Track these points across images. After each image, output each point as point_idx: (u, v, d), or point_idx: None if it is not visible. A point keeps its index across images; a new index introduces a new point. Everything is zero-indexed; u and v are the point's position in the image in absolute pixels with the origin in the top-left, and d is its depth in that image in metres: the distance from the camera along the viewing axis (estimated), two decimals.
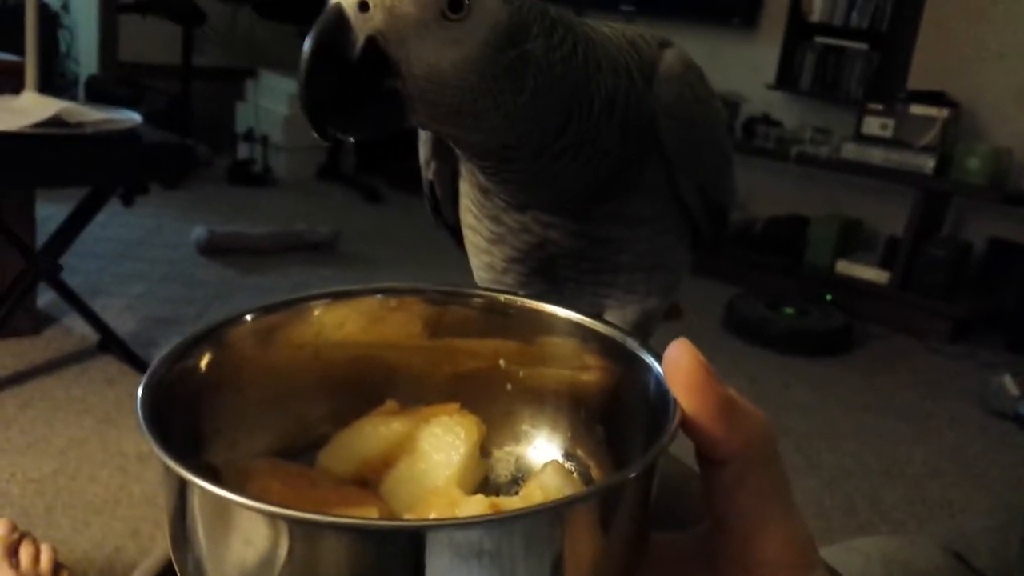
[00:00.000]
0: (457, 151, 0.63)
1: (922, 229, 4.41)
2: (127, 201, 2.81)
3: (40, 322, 3.23)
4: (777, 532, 0.39)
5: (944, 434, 3.36)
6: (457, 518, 0.36)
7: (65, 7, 6.60)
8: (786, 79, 5.00)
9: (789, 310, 4.15)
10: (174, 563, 0.37)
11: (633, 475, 0.35)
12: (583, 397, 0.46)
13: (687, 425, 0.38)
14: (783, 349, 3.94)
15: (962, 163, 4.26)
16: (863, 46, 4.76)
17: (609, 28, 0.64)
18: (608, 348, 0.45)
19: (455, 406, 0.45)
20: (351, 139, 0.53)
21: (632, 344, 0.43)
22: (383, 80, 0.51)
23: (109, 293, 3.63)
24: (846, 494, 2.83)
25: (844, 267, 4.61)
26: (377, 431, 0.44)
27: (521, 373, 0.48)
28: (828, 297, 4.41)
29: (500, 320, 0.48)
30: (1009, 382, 3.51)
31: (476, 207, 0.69)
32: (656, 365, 0.41)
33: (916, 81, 4.65)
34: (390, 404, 0.46)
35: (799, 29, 4.93)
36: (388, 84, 0.51)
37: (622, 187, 0.64)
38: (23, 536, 1.67)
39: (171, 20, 5.62)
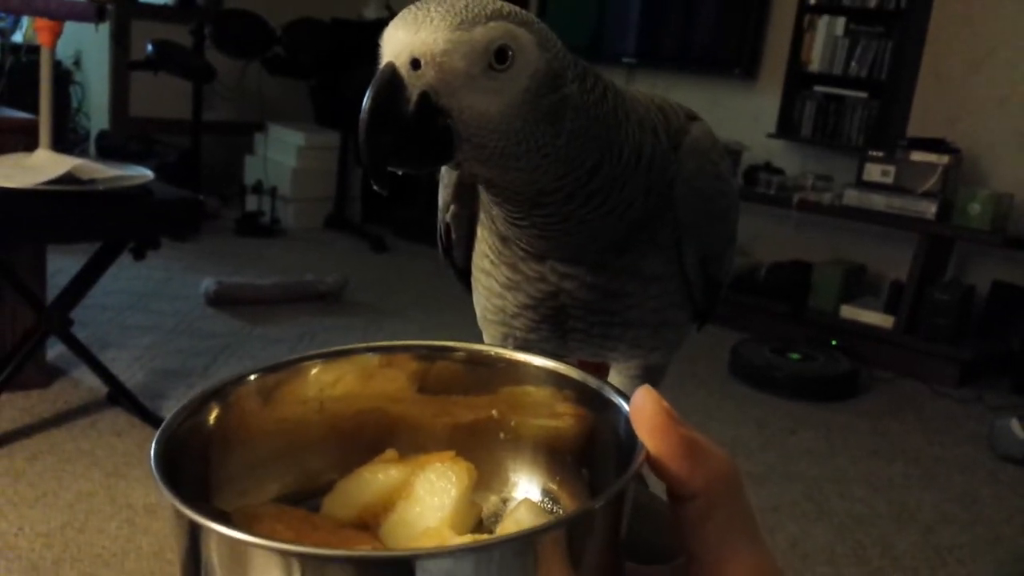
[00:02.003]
0: (486, 196, 0.66)
1: (925, 274, 4.43)
2: (138, 255, 2.84)
3: (49, 375, 3.26)
4: (743, 563, 0.41)
5: (953, 479, 3.35)
6: (432, 547, 0.40)
7: (77, 63, 6.74)
8: (787, 128, 5.06)
9: (795, 355, 4.16)
10: None
11: (598, 505, 0.38)
12: (566, 443, 0.49)
13: (653, 465, 0.41)
14: (789, 394, 3.94)
15: (964, 208, 4.29)
16: (863, 95, 4.83)
17: (638, 91, 0.67)
18: (584, 395, 0.48)
19: (450, 453, 0.47)
20: (402, 172, 0.56)
21: (605, 389, 0.46)
22: (435, 120, 0.54)
23: (118, 345, 3.66)
24: (856, 541, 2.82)
25: (849, 312, 4.62)
26: (376, 477, 0.47)
27: (513, 423, 0.51)
28: (833, 342, 4.42)
29: (487, 372, 0.51)
30: (1016, 426, 3.51)
31: (493, 253, 0.71)
32: (626, 407, 0.44)
33: (916, 128, 4.70)
34: (390, 453, 0.49)
35: (799, 78, 5.00)
36: (440, 122, 0.55)
37: (639, 243, 0.66)
38: None
39: (182, 77, 5.72)
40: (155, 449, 0.41)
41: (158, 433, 0.42)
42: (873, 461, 3.43)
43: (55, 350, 3.30)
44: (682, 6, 5.51)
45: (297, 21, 5.95)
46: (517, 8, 0.57)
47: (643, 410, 0.42)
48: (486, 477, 0.49)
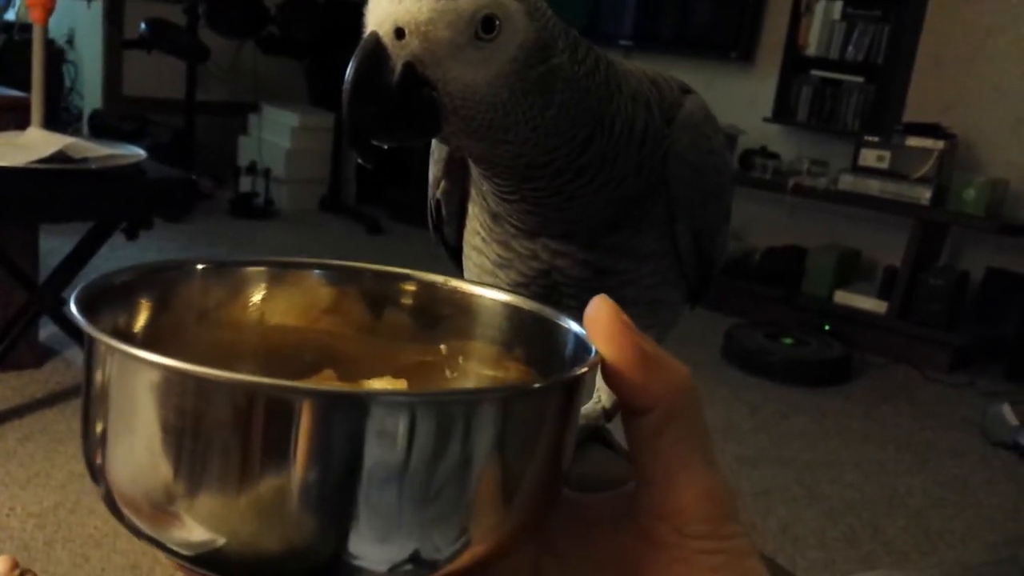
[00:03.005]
0: (477, 170, 0.65)
1: (920, 259, 4.43)
2: (131, 235, 2.83)
3: (42, 355, 3.25)
4: (696, 482, 0.40)
5: (945, 464, 3.36)
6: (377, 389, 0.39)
7: (70, 42, 6.68)
8: (783, 112, 5.05)
9: (788, 340, 4.16)
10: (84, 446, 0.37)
11: (537, 386, 0.38)
12: (517, 376, 0.47)
13: (607, 373, 0.40)
14: (782, 379, 3.95)
15: (959, 194, 4.29)
16: (859, 79, 4.82)
17: (632, 64, 0.66)
18: (534, 321, 0.47)
19: (388, 378, 0.46)
20: (388, 146, 0.55)
21: (561, 318, 0.45)
22: (420, 91, 0.53)
23: None
24: (848, 525, 2.83)
25: (842, 297, 4.63)
26: None
27: (460, 361, 0.49)
28: (827, 327, 4.42)
29: (440, 311, 0.49)
30: (1008, 411, 3.52)
31: (485, 231, 0.70)
32: (576, 328, 0.43)
33: (912, 113, 4.69)
34: (327, 372, 0.48)
35: (795, 63, 4.99)
36: (425, 94, 0.53)
37: (632, 220, 0.66)
38: (24, 573, 1.67)
39: (175, 56, 5.68)
40: (78, 294, 0.39)
41: (85, 283, 0.40)
42: (865, 446, 3.44)
43: (47, 330, 3.29)
44: None
45: (291, 0, 5.91)
46: None
47: (598, 317, 0.40)
48: None
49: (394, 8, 0.52)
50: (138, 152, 2.74)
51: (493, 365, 0.48)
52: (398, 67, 0.52)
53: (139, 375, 0.34)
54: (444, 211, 0.76)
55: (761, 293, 4.74)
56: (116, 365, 0.35)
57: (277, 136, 6.17)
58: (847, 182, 4.58)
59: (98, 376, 0.36)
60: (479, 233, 0.71)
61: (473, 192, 0.71)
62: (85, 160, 2.54)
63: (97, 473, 0.37)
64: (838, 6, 4.85)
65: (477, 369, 0.49)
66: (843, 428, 3.59)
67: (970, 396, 4.04)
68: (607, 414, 0.75)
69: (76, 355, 3.24)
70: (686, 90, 0.68)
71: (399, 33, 0.52)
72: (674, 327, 0.76)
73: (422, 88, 0.53)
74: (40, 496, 2.46)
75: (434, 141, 0.66)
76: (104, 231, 2.87)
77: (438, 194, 0.76)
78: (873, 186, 4.50)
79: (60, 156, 2.49)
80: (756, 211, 5.01)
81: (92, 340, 0.36)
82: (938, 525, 2.90)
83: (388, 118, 0.54)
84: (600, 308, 0.41)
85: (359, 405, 0.32)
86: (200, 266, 0.47)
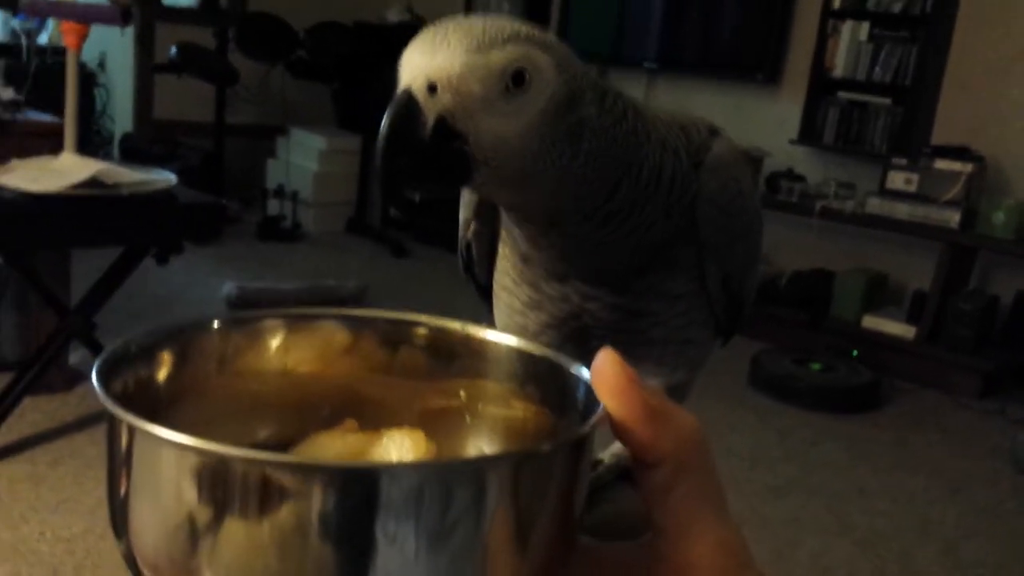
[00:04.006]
0: (507, 216, 0.66)
1: (949, 283, 4.39)
2: (161, 260, 2.86)
3: (72, 379, 3.28)
4: (708, 534, 0.40)
5: (976, 493, 3.31)
6: (379, 462, 0.40)
7: (101, 65, 6.79)
8: (809, 134, 5.03)
9: (816, 365, 4.13)
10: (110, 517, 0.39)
11: (547, 448, 0.38)
12: (529, 434, 0.48)
13: (617, 429, 0.40)
14: (810, 405, 3.92)
15: (988, 217, 4.25)
16: (886, 101, 4.79)
17: (660, 110, 0.66)
18: (545, 370, 0.47)
19: (407, 428, 0.46)
20: (420, 196, 0.56)
21: (574, 367, 0.45)
22: (451, 143, 0.54)
23: None
24: (878, 556, 2.79)
25: (871, 322, 4.58)
26: (333, 443, 0.46)
27: (479, 407, 0.50)
28: (855, 352, 4.38)
29: (453, 356, 0.50)
30: None
31: (515, 272, 0.70)
32: (586, 376, 0.43)
33: (940, 135, 4.66)
34: (350, 422, 0.48)
35: (822, 84, 4.97)
36: (456, 146, 0.54)
37: (661, 263, 0.66)
38: None
39: (205, 80, 5.75)
40: (99, 365, 0.40)
41: (105, 353, 0.41)
42: (895, 474, 3.40)
43: (78, 354, 3.33)
44: (704, 11, 5.49)
45: (320, 24, 5.97)
46: (537, 30, 0.57)
47: (603, 372, 0.41)
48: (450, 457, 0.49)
49: (427, 64, 0.53)
50: (169, 177, 2.78)
51: (508, 406, 0.49)
52: (430, 121, 0.53)
53: (156, 450, 0.35)
54: (475, 252, 0.77)
55: (788, 318, 4.71)
56: (134, 439, 0.36)
57: (305, 159, 6.23)
58: (875, 205, 4.55)
59: (118, 445, 0.37)
60: (509, 274, 0.72)
61: (503, 233, 0.72)
62: (117, 186, 2.57)
63: (119, 532, 0.38)
64: (865, 27, 4.83)
65: (493, 411, 0.49)
66: (872, 455, 3.55)
67: (1000, 423, 3.99)
68: None
69: None
70: (714, 132, 0.68)
71: (432, 88, 0.53)
72: (704, 366, 0.76)
73: (453, 140, 0.54)
74: (70, 521, 2.48)
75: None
76: (135, 256, 2.90)
77: (469, 235, 0.76)
78: (901, 209, 4.46)
79: (93, 182, 2.53)
80: (782, 234, 4.98)
81: (109, 414, 0.37)
82: (970, 555, 2.86)
83: (420, 170, 0.55)
84: (605, 362, 0.41)
85: (370, 479, 0.34)
86: (217, 323, 0.48)
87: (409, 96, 0.53)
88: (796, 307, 4.74)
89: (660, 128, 0.63)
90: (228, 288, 4.35)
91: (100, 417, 3.05)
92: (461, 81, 0.53)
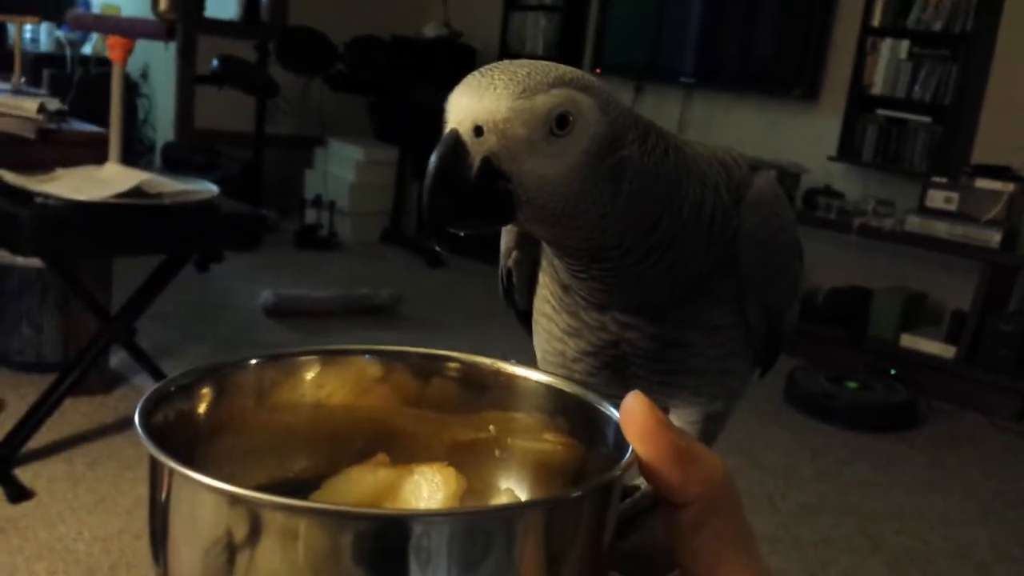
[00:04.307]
0: (548, 248, 0.67)
1: (988, 303, 4.33)
2: (201, 268, 2.91)
3: (112, 381, 3.34)
4: (737, 574, 0.41)
5: (1012, 516, 3.26)
6: (405, 509, 0.42)
7: (144, 76, 6.92)
8: (848, 151, 4.99)
9: (852, 384, 4.09)
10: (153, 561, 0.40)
11: (575, 495, 0.39)
12: (558, 467, 0.49)
13: (645, 471, 0.41)
14: (846, 424, 3.88)
15: None
16: (926, 119, 4.75)
17: (700, 146, 0.67)
18: (575, 406, 0.48)
19: (440, 463, 0.47)
20: (464, 233, 0.58)
21: (603, 405, 0.47)
22: (496, 183, 0.56)
23: (178, 354, 3.74)
24: None
25: (909, 341, 4.53)
26: (365, 478, 0.47)
27: (508, 441, 0.51)
28: (892, 371, 4.34)
29: (483, 390, 0.52)
30: None
31: (555, 300, 0.71)
32: (616, 415, 0.44)
33: (981, 154, 4.61)
34: (381, 456, 0.49)
35: (861, 101, 4.94)
36: (500, 186, 0.56)
37: (700, 295, 0.67)
38: None
39: (246, 91, 5.84)
40: (142, 406, 0.42)
41: (148, 393, 0.43)
42: (930, 495, 3.35)
43: (117, 357, 3.38)
44: (741, 26, 5.48)
45: (359, 38, 6.04)
46: (580, 73, 0.58)
47: (632, 414, 0.41)
48: (480, 493, 0.50)
49: (473, 107, 0.55)
50: (210, 188, 2.82)
51: (537, 438, 0.50)
52: (476, 162, 0.55)
53: (193, 493, 0.37)
54: (515, 279, 0.78)
55: (825, 335, 4.67)
56: (173, 480, 0.38)
57: (342, 170, 6.30)
58: (914, 223, 4.51)
59: (159, 484, 0.39)
60: (549, 301, 0.73)
61: (544, 262, 0.73)
62: (160, 196, 2.62)
63: (157, 558, 0.40)
64: (904, 45, 4.79)
65: (523, 443, 0.51)
66: (907, 476, 3.51)
67: None
68: None
69: (144, 382, 3.32)
70: (755, 167, 0.69)
71: (478, 131, 0.55)
72: (742, 396, 0.76)
73: (498, 180, 0.56)
74: (106, 521, 2.52)
75: None
76: (176, 264, 2.95)
77: (510, 263, 0.77)
78: (941, 228, 4.42)
79: (136, 191, 2.57)
80: (820, 251, 4.94)
81: (152, 458, 0.39)
82: None
83: (466, 208, 0.56)
84: (634, 405, 0.41)
85: (400, 526, 0.35)
86: (254, 360, 0.50)
87: (456, 138, 0.55)
88: (833, 324, 4.69)
89: (701, 164, 0.64)
90: (265, 295, 4.40)
91: None
92: (507, 124, 0.54)
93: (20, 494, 2.59)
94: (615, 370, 0.71)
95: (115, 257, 3.31)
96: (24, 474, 2.70)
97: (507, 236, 0.77)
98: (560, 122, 0.55)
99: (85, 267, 3.07)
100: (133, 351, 3.06)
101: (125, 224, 2.59)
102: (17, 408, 2.91)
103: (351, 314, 4.53)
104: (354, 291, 4.70)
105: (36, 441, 2.82)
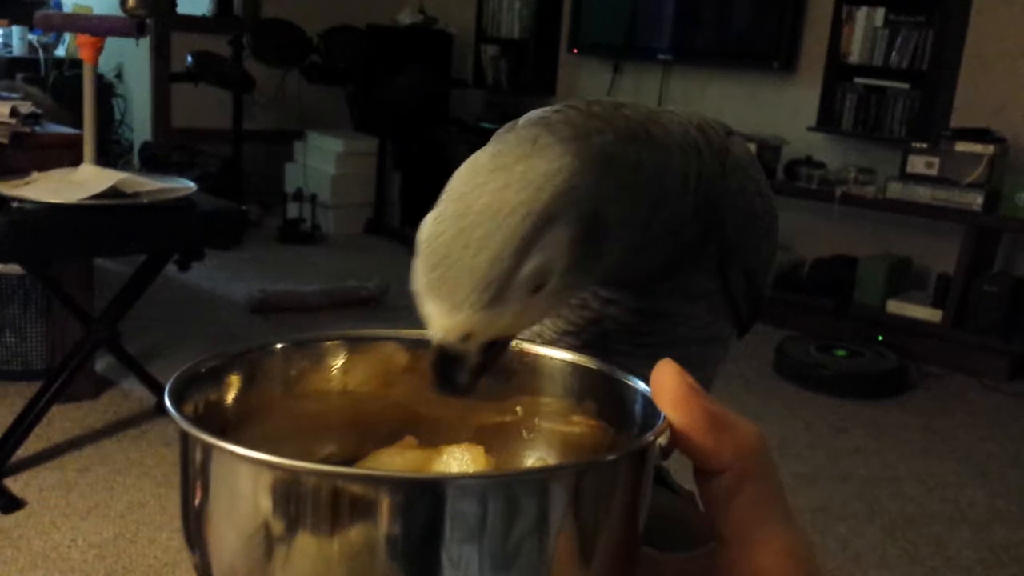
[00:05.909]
0: None
1: (973, 266, 4.34)
2: (183, 267, 2.88)
3: (99, 386, 3.31)
4: (774, 542, 0.40)
5: (1007, 476, 3.28)
6: (445, 474, 0.42)
7: (119, 76, 6.85)
8: (827, 120, 4.99)
9: (841, 352, 4.10)
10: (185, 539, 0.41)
11: (611, 458, 0.38)
12: (587, 449, 0.48)
13: (678, 439, 0.40)
14: (836, 392, 3.89)
15: (1011, 198, 4.20)
16: (904, 85, 4.74)
17: (676, 113, 0.64)
18: (602, 383, 0.48)
19: (466, 444, 0.47)
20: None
21: (631, 379, 0.46)
22: (494, 345, 0.52)
23: (165, 355, 3.71)
24: (909, 541, 2.77)
25: (895, 307, 4.55)
26: (393, 459, 0.47)
27: (536, 421, 0.51)
28: (880, 338, 4.35)
29: (509, 373, 0.51)
30: None
31: None
32: (643, 387, 0.44)
33: (960, 118, 4.61)
34: (409, 439, 0.49)
35: (838, 71, 4.92)
36: (499, 347, 0.52)
37: (684, 264, 0.65)
38: None
39: (222, 87, 5.79)
40: (172, 386, 0.43)
41: (176, 374, 0.44)
42: (924, 459, 3.37)
43: (104, 361, 3.36)
44: (717, 1, 5.46)
45: (333, 29, 6.00)
46: (547, 168, 0.49)
47: (663, 382, 0.41)
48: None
49: (451, 323, 0.48)
50: (188, 185, 2.79)
51: (565, 421, 0.49)
52: (473, 358, 0.50)
53: (232, 467, 0.37)
54: None
55: (811, 305, 4.68)
56: (210, 457, 0.38)
57: (322, 162, 6.25)
58: (896, 190, 4.52)
59: (192, 463, 0.39)
60: None
61: None
62: (137, 195, 2.59)
63: (193, 544, 0.40)
64: (880, 13, 4.78)
65: (551, 426, 0.50)
66: (901, 441, 3.52)
67: None
68: (664, 452, 0.74)
69: (132, 385, 3.30)
70: (729, 131, 0.68)
71: (465, 338, 0.49)
72: (725, 361, 0.76)
73: (496, 343, 0.51)
74: (100, 527, 2.50)
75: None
76: (157, 263, 2.92)
77: None
78: (923, 193, 4.42)
79: (113, 192, 2.55)
80: (803, 221, 4.95)
81: (184, 432, 0.39)
82: (1002, 538, 2.83)
83: (476, 379, 0.52)
84: (665, 372, 0.41)
85: (436, 490, 0.35)
86: (280, 345, 0.50)
87: (445, 352, 0.49)
88: (820, 294, 4.71)
89: (676, 133, 0.61)
90: (250, 291, 4.38)
91: (128, 423, 3.08)
92: (490, 330, 0.49)
93: (12, 504, 2.57)
94: (597, 349, 0.70)
95: (95, 258, 3.27)
96: (15, 484, 2.68)
97: None
98: (536, 288, 0.50)
99: (66, 272, 3.04)
100: (119, 354, 3.03)
101: (103, 225, 2.56)
102: (4, 418, 2.89)
103: (338, 307, 4.51)
104: (340, 284, 4.68)
105: (25, 450, 2.80)
